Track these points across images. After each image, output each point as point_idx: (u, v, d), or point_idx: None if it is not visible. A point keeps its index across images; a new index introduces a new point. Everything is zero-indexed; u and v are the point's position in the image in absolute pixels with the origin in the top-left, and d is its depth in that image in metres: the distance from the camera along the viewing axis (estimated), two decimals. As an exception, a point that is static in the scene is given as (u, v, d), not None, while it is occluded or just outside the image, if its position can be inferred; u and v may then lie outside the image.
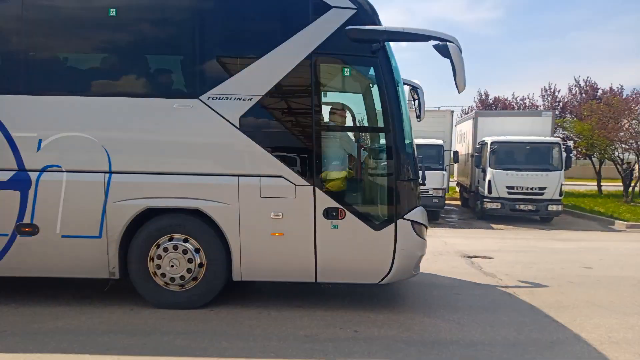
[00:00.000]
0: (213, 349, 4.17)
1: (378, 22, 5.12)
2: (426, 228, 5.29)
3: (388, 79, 5.06)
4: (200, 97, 4.95)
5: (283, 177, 4.98)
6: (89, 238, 4.99)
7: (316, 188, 4.98)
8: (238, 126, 4.96)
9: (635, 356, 4.26)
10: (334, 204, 4.99)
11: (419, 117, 6.50)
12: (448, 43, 4.83)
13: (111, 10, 4.96)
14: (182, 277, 5.07)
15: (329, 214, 4.99)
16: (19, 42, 4.99)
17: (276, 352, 4.12)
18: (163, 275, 5.07)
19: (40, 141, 4.94)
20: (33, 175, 4.94)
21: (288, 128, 5.15)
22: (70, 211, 4.96)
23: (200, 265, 5.09)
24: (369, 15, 5.08)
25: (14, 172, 4.94)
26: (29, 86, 5.02)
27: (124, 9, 5.02)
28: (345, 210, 4.99)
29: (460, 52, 4.84)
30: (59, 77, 5.16)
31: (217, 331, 4.58)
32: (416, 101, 6.45)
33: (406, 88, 6.25)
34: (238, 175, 4.99)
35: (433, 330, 4.77)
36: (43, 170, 4.95)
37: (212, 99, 4.95)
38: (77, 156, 4.98)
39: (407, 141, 5.18)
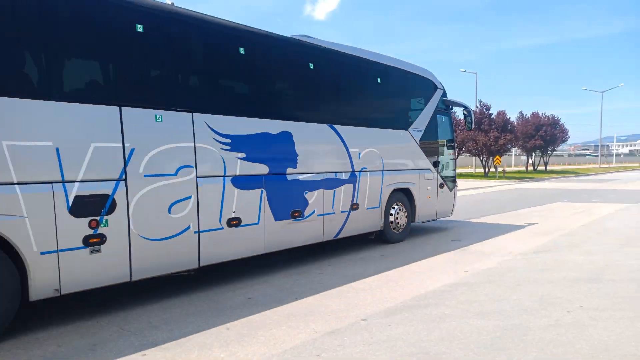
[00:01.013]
0: None
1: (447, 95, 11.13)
2: None
3: (452, 122, 11.52)
4: (408, 130, 9.88)
5: (430, 170, 10.41)
6: (376, 208, 9.00)
7: (438, 174, 10.64)
8: (419, 144, 10.08)
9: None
10: (442, 181, 10.79)
11: (470, 128, 12.75)
12: (471, 108, 11.71)
13: (378, 78, 9.32)
14: (403, 225, 9.70)
15: (440, 185, 10.74)
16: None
17: None
18: (397, 224, 9.57)
19: (359, 153, 8.56)
20: (357, 174, 8.52)
21: (431, 146, 10.49)
22: (369, 193, 8.78)
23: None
24: (446, 92, 11.06)
25: (350, 172, 8.39)
26: (359, 121, 8.77)
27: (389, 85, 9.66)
28: (445, 183, 10.91)
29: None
30: (368, 115, 9.21)
31: None
32: (467, 117, 11.64)
33: (460, 109, 11.80)
34: (419, 169, 10.10)
35: None
36: (360, 171, 8.60)
37: (412, 130, 9.94)
38: (373, 162, 8.91)
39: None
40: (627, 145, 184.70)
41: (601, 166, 67.75)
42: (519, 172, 47.21)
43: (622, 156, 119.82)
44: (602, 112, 64.10)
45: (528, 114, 47.62)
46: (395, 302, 5.54)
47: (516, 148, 51.21)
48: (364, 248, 9.06)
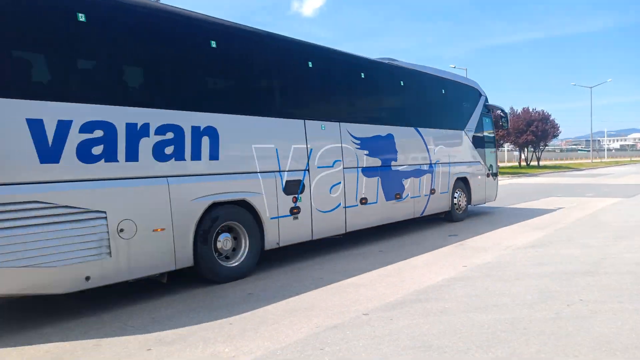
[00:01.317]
0: None
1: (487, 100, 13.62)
2: None
3: (492, 122, 14.22)
4: (464, 130, 12.41)
5: (480, 162, 12.94)
6: (445, 193, 11.42)
7: (485, 166, 13.14)
8: (472, 142, 12.64)
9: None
10: (488, 171, 13.25)
11: (506, 127, 15.34)
12: (506, 111, 14.86)
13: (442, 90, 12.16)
14: (463, 207, 12.22)
15: (487, 175, 13.24)
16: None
17: None
18: (460, 205, 12.06)
19: (434, 149, 11.00)
20: (433, 166, 10.94)
21: (479, 142, 13.00)
22: (441, 181, 11.22)
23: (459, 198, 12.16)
24: (487, 98, 13.48)
25: (429, 164, 10.80)
26: (433, 124, 11.25)
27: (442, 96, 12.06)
28: (490, 173, 13.39)
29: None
30: (438, 119, 11.56)
31: None
32: (503, 118, 14.63)
33: (499, 111, 14.63)
34: (472, 162, 12.62)
35: None
36: (435, 163, 11.00)
37: (467, 131, 12.48)
38: (443, 156, 11.30)
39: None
40: (618, 140, 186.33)
41: (593, 161, 68.20)
42: (512, 167, 47.43)
43: (613, 151, 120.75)
44: (592, 107, 64.62)
45: (519, 109, 47.74)
46: (395, 297, 5.57)
47: (508, 143, 51.43)
48: (361, 244, 9.09)
